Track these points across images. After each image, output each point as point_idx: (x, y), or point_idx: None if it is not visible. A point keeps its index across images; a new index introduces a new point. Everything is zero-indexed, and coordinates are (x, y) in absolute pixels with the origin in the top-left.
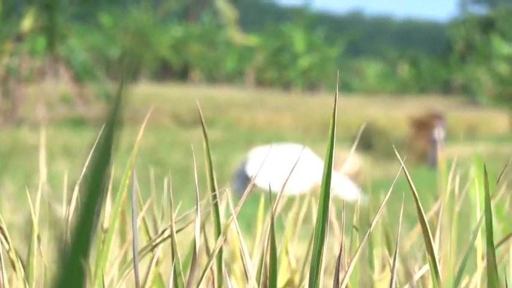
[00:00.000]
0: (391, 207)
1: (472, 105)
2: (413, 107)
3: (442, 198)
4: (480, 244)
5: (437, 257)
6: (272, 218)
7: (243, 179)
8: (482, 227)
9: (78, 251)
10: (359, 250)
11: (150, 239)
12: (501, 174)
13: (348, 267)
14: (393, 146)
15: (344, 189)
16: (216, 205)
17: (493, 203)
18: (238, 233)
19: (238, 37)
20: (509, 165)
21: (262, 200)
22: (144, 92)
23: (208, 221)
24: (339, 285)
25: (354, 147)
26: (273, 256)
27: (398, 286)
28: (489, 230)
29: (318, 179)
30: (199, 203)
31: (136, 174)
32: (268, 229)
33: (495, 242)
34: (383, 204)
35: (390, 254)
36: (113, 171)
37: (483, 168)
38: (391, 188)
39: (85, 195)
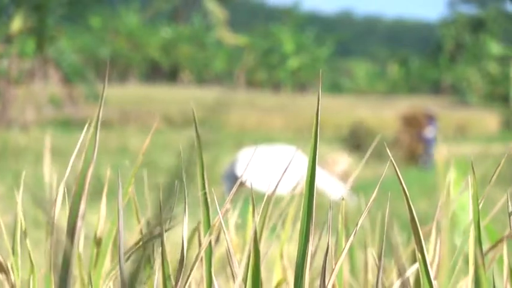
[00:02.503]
0: (382, 207)
1: (462, 105)
2: (403, 107)
3: (441, 200)
4: (472, 247)
5: (427, 259)
6: (254, 217)
7: (233, 180)
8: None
9: None
10: (345, 251)
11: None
12: (493, 176)
13: (335, 268)
14: (384, 144)
15: (334, 189)
16: (206, 205)
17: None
18: (224, 233)
19: (227, 38)
20: (500, 166)
21: (252, 200)
22: (134, 93)
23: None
24: (325, 286)
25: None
26: (256, 256)
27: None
28: (477, 233)
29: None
30: (188, 204)
31: (127, 175)
32: (253, 229)
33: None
34: (369, 204)
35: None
36: (106, 172)
37: (464, 171)
38: (377, 188)
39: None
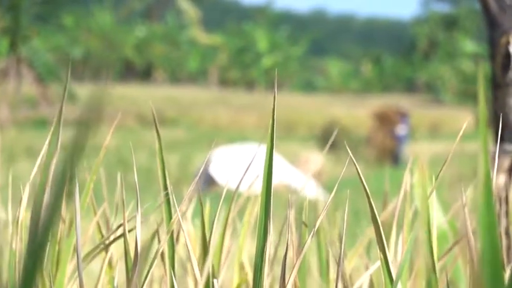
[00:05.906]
0: (354, 205)
1: (436, 103)
2: (377, 105)
3: (398, 198)
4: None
5: (389, 256)
6: (228, 216)
7: (206, 179)
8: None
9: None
10: (305, 248)
11: (103, 237)
12: (464, 175)
13: (295, 265)
14: (355, 143)
15: (307, 187)
16: (168, 204)
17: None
18: (184, 232)
19: (201, 37)
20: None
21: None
22: (107, 92)
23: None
24: (285, 283)
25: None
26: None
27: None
28: (428, 237)
29: (281, 177)
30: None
31: (100, 174)
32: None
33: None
34: (328, 201)
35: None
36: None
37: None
38: (336, 185)
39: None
